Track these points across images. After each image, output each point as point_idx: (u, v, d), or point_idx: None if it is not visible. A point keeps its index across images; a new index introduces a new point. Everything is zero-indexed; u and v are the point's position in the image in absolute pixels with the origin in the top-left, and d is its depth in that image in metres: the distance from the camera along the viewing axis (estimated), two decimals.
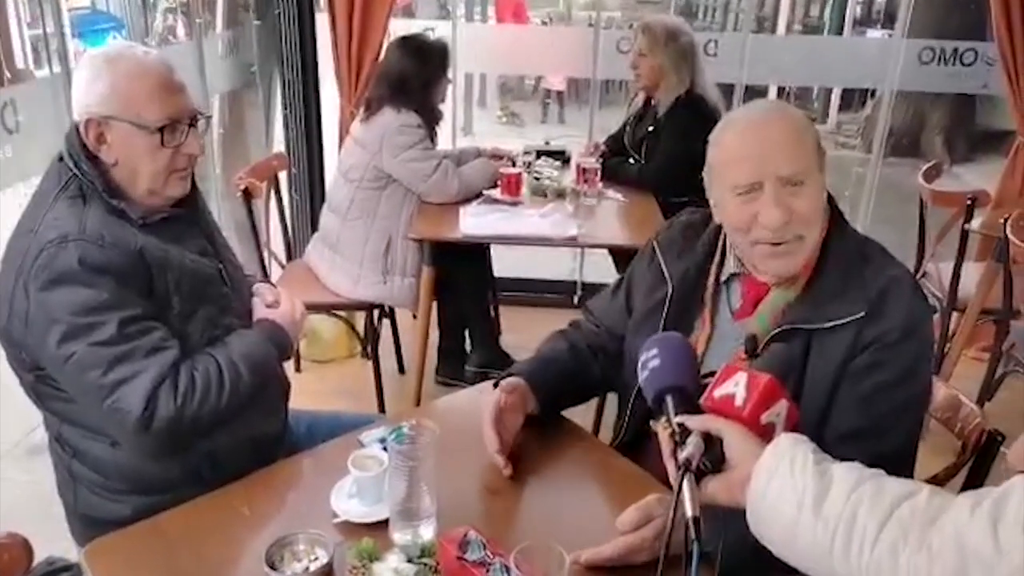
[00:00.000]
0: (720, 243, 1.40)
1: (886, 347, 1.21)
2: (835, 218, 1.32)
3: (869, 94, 7.46)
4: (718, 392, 0.99)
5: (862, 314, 1.22)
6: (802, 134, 1.25)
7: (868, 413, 1.22)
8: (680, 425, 0.97)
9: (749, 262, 1.33)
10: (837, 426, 1.23)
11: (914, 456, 1.29)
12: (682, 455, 0.93)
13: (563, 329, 1.59)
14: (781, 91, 8.17)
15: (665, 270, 1.42)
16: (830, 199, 1.32)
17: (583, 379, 1.53)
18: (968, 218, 2.82)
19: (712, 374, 1.03)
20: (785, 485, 0.89)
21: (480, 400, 1.40)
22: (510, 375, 1.43)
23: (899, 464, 1.22)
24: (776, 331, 1.26)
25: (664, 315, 1.39)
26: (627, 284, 1.55)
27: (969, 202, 2.80)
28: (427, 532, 1.17)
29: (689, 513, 0.87)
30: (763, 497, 0.91)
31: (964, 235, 2.84)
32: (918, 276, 3.11)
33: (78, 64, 1.42)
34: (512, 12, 8.44)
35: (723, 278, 1.38)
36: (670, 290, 1.40)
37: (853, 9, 9.00)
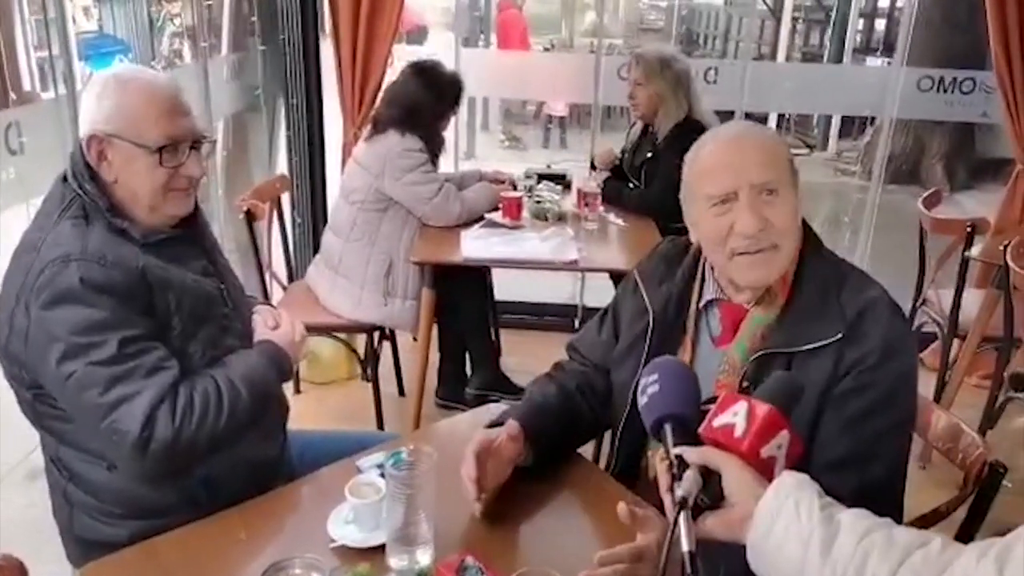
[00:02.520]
0: (700, 269, 1.40)
1: (867, 371, 1.20)
2: (809, 240, 1.32)
3: (869, 121, 7.51)
4: (717, 421, 0.97)
5: (840, 336, 1.22)
6: (775, 148, 1.29)
7: (853, 439, 1.20)
8: (678, 457, 0.95)
9: (726, 277, 1.33)
10: (823, 455, 1.21)
11: (902, 483, 1.27)
12: (679, 491, 0.91)
13: (549, 373, 1.56)
14: (781, 118, 8.24)
15: (646, 299, 1.42)
16: (803, 222, 1.33)
17: (575, 423, 1.49)
18: (968, 245, 2.82)
19: (712, 400, 1.01)
20: (790, 527, 0.88)
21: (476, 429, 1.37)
22: (502, 420, 1.38)
23: (888, 491, 1.22)
24: (756, 356, 1.26)
25: (647, 344, 1.38)
26: (612, 316, 1.53)
27: (969, 229, 2.81)
28: (424, 557, 1.16)
29: (685, 547, 0.86)
30: (766, 538, 0.89)
31: (964, 262, 2.84)
32: (918, 303, 3.11)
33: (89, 82, 1.43)
34: (517, 39, 8.53)
35: (702, 303, 1.38)
36: (651, 319, 1.40)
37: (853, 38, 9.08)
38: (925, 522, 1.40)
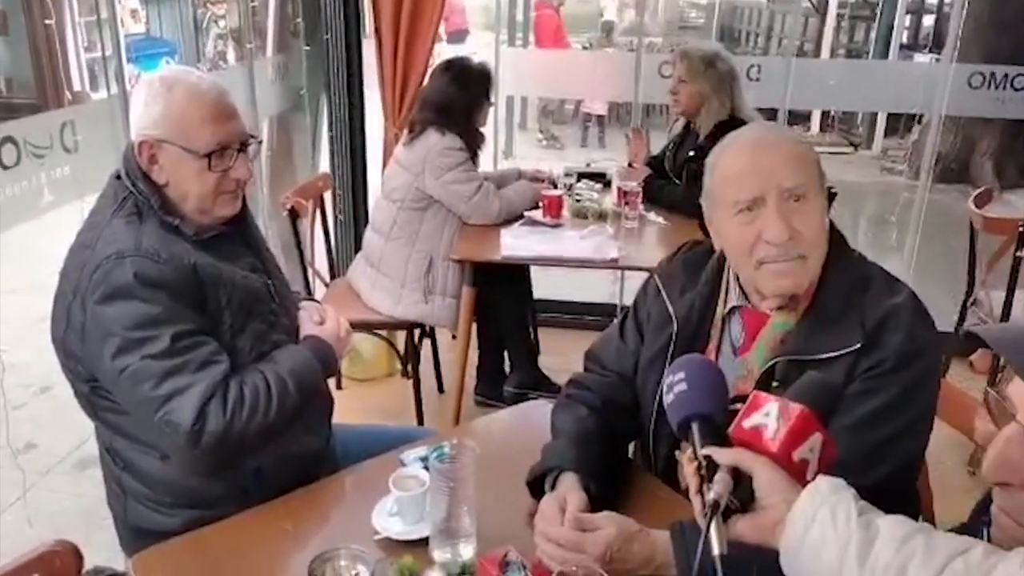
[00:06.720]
0: (723, 276, 1.36)
1: (878, 376, 1.17)
2: (835, 243, 1.28)
3: (916, 119, 7.34)
4: (748, 422, 0.93)
5: (858, 345, 1.19)
6: (802, 151, 1.25)
7: (856, 443, 1.15)
8: (707, 458, 0.92)
9: (752, 287, 1.29)
10: None
11: (910, 494, 1.23)
12: (710, 495, 0.87)
13: (569, 394, 1.45)
14: (825, 116, 8.11)
15: (670, 308, 1.38)
16: (830, 223, 1.29)
17: (615, 439, 1.43)
18: (1020, 245, 2.75)
19: (741, 399, 0.98)
20: (826, 533, 0.86)
21: (523, 442, 1.34)
22: (559, 468, 1.28)
23: (890, 501, 1.10)
24: (772, 362, 1.23)
25: (670, 354, 1.34)
26: (635, 320, 1.47)
27: (1021, 228, 2.73)
28: (467, 551, 1.17)
29: (716, 551, 0.84)
30: (801, 543, 0.87)
31: (1016, 262, 2.77)
32: (968, 304, 3.04)
33: (137, 86, 1.46)
34: (551, 37, 8.50)
35: (724, 310, 1.34)
36: (675, 328, 1.36)
37: (899, 34, 8.89)
38: None
